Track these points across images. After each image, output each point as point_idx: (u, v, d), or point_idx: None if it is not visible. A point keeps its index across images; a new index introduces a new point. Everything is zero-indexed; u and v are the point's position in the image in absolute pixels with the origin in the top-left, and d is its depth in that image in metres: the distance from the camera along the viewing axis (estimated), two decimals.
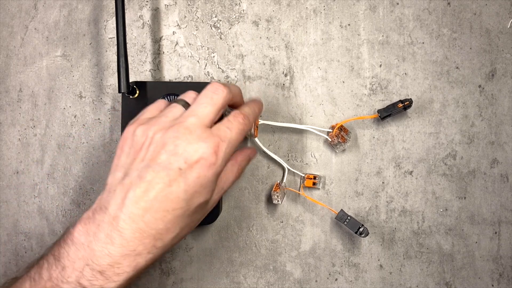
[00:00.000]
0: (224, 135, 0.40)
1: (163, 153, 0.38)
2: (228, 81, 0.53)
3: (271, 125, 0.53)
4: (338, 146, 0.52)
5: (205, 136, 0.39)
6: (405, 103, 0.50)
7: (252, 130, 0.49)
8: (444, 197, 0.53)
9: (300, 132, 0.53)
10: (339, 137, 0.51)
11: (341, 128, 0.52)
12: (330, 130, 0.52)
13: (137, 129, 0.40)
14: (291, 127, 0.53)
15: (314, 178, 0.52)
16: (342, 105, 0.53)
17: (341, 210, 0.51)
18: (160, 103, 0.44)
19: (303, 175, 0.53)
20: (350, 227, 0.50)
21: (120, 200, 0.38)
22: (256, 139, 0.52)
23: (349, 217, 0.50)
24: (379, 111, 0.51)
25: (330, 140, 0.52)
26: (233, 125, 0.41)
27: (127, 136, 0.40)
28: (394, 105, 0.51)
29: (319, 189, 0.53)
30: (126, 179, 0.38)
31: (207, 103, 0.41)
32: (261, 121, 0.52)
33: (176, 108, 0.42)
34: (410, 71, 0.53)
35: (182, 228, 0.39)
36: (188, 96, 0.43)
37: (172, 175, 0.38)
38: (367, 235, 0.50)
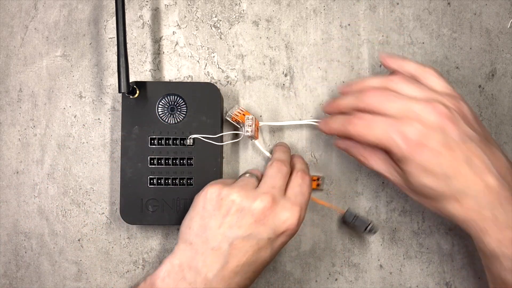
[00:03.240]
0: (301, 201, 0.43)
1: (252, 223, 0.41)
2: (229, 82, 0.53)
3: (273, 125, 0.53)
4: None
5: (289, 206, 0.42)
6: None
7: (253, 132, 0.49)
8: None
9: (301, 131, 0.53)
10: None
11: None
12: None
13: (222, 191, 0.43)
14: (292, 125, 0.53)
15: (318, 179, 0.52)
16: None
17: (348, 209, 0.50)
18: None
19: None
20: (359, 225, 0.50)
21: (215, 265, 0.41)
22: (256, 142, 0.52)
23: (356, 216, 0.50)
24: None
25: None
26: (304, 188, 0.44)
27: (212, 195, 0.43)
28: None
29: (322, 190, 0.53)
30: (215, 245, 0.41)
31: (279, 177, 0.44)
32: (262, 123, 0.52)
33: (253, 179, 0.45)
34: None
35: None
36: (255, 171, 0.47)
37: (262, 244, 0.41)
38: (376, 232, 0.50)
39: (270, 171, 0.45)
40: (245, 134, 0.49)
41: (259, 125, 0.52)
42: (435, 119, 0.39)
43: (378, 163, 0.44)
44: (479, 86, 0.54)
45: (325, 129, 0.46)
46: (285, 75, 0.54)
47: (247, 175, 0.46)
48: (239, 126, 0.52)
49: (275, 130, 0.53)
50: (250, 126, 0.49)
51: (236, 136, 0.53)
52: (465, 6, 0.54)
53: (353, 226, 0.50)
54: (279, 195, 0.42)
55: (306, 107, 0.53)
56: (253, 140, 0.52)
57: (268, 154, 0.52)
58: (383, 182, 0.53)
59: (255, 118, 0.50)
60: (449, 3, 0.54)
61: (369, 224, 0.49)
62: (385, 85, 0.43)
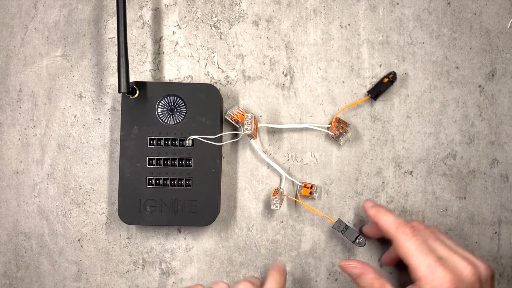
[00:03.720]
0: None
1: None
2: (229, 82, 0.53)
3: (272, 127, 0.53)
4: (340, 138, 0.52)
5: None
6: (390, 76, 0.52)
7: (252, 131, 0.49)
8: (444, 197, 0.53)
9: (300, 132, 0.53)
10: (340, 128, 0.51)
11: (339, 120, 0.52)
12: (330, 126, 0.52)
13: None
14: (291, 127, 0.53)
15: (311, 187, 0.52)
16: (342, 105, 0.53)
17: (339, 219, 0.51)
18: None
19: (300, 184, 0.52)
20: (348, 236, 0.50)
21: None
22: (253, 142, 0.52)
23: (346, 227, 0.50)
24: (369, 91, 0.52)
25: (331, 134, 0.52)
26: None
27: None
28: (380, 82, 0.52)
29: (315, 199, 0.53)
30: None
31: None
32: (260, 124, 0.52)
33: None
34: (410, 71, 0.53)
35: None
36: None
37: None
38: (364, 245, 0.50)
39: None
40: (244, 132, 0.49)
41: (258, 125, 0.52)
42: (470, 279, 0.43)
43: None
44: (479, 86, 0.54)
45: (371, 213, 0.49)
46: (285, 75, 0.54)
47: None
48: (238, 126, 0.52)
49: (275, 130, 0.53)
50: (250, 124, 0.49)
51: (235, 136, 0.53)
52: (465, 6, 0.54)
53: (342, 236, 0.51)
54: None
55: (306, 107, 0.53)
56: (251, 140, 0.52)
57: (268, 159, 0.52)
58: (383, 182, 0.53)
59: (254, 118, 0.50)
60: (449, 3, 0.54)
61: (357, 237, 0.50)
62: (431, 229, 0.47)
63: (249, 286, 0.44)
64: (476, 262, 0.44)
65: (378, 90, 0.52)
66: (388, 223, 0.47)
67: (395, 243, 0.45)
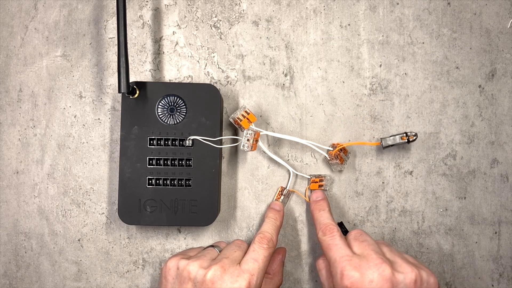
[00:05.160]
0: (253, 268, 0.44)
1: None
2: (229, 82, 0.53)
3: (273, 127, 0.53)
4: (335, 166, 0.52)
5: (237, 273, 0.43)
6: (410, 137, 0.50)
7: (249, 148, 0.48)
8: (444, 197, 0.53)
9: (300, 132, 0.53)
10: (338, 157, 0.51)
11: (341, 149, 0.52)
12: (331, 149, 0.52)
13: (179, 263, 0.45)
14: (292, 125, 0.53)
15: (320, 180, 0.52)
16: (342, 105, 0.53)
17: (341, 222, 0.51)
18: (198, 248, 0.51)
19: (309, 177, 0.52)
20: None
21: None
22: (260, 143, 0.51)
23: (345, 231, 0.51)
24: (383, 139, 0.51)
25: (328, 158, 0.52)
26: (259, 255, 0.45)
27: (171, 267, 0.46)
28: (398, 137, 0.50)
29: (326, 190, 0.53)
30: None
31: (235, 249, 0.47)
32: (263, 132, 0.52)
33: (214, 250, 0.48)
34: (410, 71, 0.53)
35: None
36: (221, 244, 0.51)
37: None
38: None
39: (228, 246, 0.48)
40: (241, 148, 0.49)
41: (260, 136, 0.51)
42: (405, 282, 0.42)
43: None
44: (479, 86, 0.54)
45: (311, 207, 0.51)
46: (285, 75, 0.54)
47: (211, 247, 0.49)
48: (241, 130, 0.52)
49: (275, 130, 0.53)
50: (248, 141, 0.48)
51: (235, 140, 0.53)
52: (465, 6, 0.54)
53: None
54: (230, 264, 0.44)
55: (306, 107, 0.53)
56: (251, 151, 0.52)
57: (276, 157, 0.52)
58: (383, 182, 0.53)
59: (255, 133, 0.49)
60: (449, 3, 0.54)
61: None
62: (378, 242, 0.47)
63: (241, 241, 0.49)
64: (411, 268, 0.43)
65: (391, 144, 0.51)
66: (317, 221, 0.48)
67: (319, 242, 0.47)
